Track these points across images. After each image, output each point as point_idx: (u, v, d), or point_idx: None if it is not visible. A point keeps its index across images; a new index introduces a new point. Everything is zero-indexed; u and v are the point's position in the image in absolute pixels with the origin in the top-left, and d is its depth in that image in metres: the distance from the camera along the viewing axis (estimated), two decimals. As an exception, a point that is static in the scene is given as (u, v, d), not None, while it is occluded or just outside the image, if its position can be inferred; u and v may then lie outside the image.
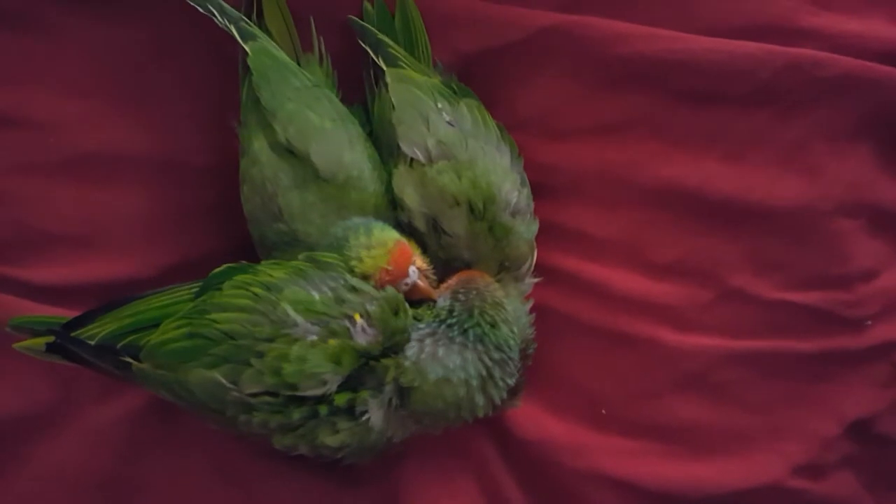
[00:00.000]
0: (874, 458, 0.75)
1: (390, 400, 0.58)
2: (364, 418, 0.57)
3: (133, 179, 0.71)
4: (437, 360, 0.58)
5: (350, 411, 0.57)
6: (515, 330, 0.61)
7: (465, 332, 0.59)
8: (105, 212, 0.71)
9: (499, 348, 0.59)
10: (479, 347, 0.58)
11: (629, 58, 0.71)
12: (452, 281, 0.63)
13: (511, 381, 0.60)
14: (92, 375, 0.68)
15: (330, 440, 0.58)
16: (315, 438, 0.58)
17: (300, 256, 0.60)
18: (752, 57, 0.70)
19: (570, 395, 0.73)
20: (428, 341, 0.58)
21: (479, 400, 0.59)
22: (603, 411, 0.72)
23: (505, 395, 0.60)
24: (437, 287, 0.64)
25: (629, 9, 0.72)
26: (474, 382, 0.58)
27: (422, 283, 0.62)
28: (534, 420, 0.71)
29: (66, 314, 0.64)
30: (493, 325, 0.59)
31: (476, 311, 0.59)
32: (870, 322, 0.73)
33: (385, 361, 0.58)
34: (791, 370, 0.72)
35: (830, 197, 0.72)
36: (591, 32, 0.71)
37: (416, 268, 0.62)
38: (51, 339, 0.62)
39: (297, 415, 0.57)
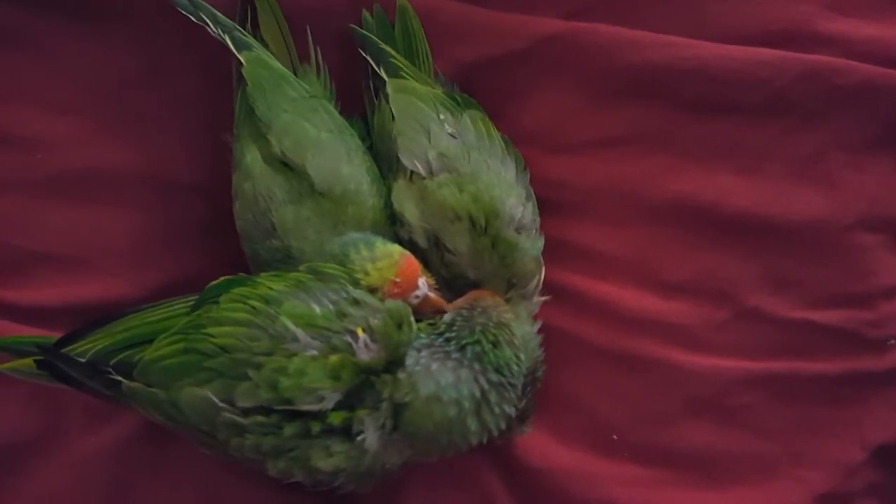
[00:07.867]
0: (900, 486, 0.73)
1: (385, 422, 0.55)
2: (360, 439, 0.55)
3: (123, 198, 0.71)
4: (429, 375, 0.55)
5: (345, 432, 0.55)
6: (522, 355, 0.58)
7: (462, 348, 0.56)
8: (94, 231, 0.70)
9: (498, 370, 0.56)
10: (476, 367, 0.55)
11: (638, 66, 0.69)
12: (461, 300, 0.61)
13: (511, 410, 0.57)
14: (78, 403, 0.68)
15: (323, 464, 0.55)
16: (308, 461, 0.56)
17: (301, 267, 0.59)
18: (767, 64, 0.69)
19: (578, 420, 0.71)
20: (424, 353, 0.56)
21: (472, 425, 0.55)
22: (613, 437, 0.70)
23: (503, 423, 0.57)
24: (445, 305, 0.62)
25: (638, 15, 0.71)
26: (466, 404, 0.55)
27: (433, 296, 0.60)
28: (540, 447, 0.70)
29: (53, 336, 0.62)
30: (495, 345, 0.56)
31: (478, 329, 0.56)
32: (893, 342, 0.71)
33: (384, 377, 0.55)
34: (811, 393, 0.71)
35: (850, 211, 0.70)
36: (599, 40, 0.70)
37: (425, 280, 0.60)
38: (40, 357, 0.61)
39: (289, 430, 0.55)
